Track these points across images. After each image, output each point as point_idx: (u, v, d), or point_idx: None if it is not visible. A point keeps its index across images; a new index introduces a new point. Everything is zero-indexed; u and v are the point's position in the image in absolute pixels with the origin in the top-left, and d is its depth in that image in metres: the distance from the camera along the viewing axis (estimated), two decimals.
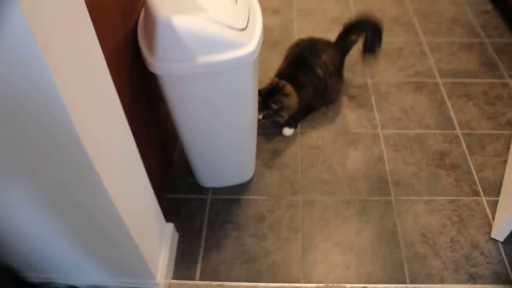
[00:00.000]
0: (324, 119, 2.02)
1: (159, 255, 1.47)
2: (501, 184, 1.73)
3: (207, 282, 1.50)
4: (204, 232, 1.64)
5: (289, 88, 1.81)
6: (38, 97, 0.79)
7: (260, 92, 1.77)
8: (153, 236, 1.42)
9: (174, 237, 1.59)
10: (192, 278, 1.52)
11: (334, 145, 1.90)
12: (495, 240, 1.57)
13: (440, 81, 2.20)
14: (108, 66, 1.17)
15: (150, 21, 1.23)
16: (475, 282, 1.47)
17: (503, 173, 1.77)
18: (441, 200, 1.69)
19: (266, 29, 2.55)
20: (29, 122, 0.85)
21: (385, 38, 2.40)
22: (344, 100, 2.10)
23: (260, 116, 1.80)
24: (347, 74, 2.23)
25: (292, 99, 1.82)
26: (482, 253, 1.54)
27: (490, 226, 1.61)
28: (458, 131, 1.95)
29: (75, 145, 0.88)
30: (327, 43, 1.99)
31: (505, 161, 1.82)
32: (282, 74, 1.90)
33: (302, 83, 1.85)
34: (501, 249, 1.55)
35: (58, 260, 1.37)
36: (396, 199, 1.70)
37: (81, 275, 1.45)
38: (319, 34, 2.44)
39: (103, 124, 1.01)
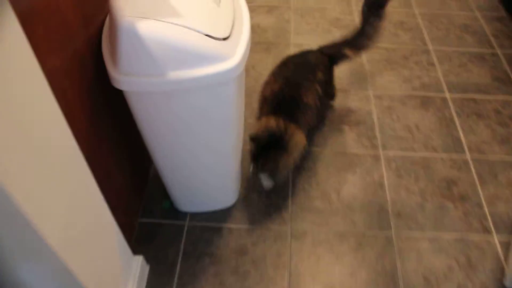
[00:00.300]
0: (319, 136, 1.81)
1: None
2: None
3: None
4: (178, 265, 1.43)
5: (297, 138, 1.44)
6: None
7: (256, 139, 1.42)
8: (115, 275, 1.22)
9: (144, 271, 1.39)
10: None
11: (330, 168, 1.70)
12: None
13: (448, 96, 2.00)
14: (64, 76, 0.97)
15: (113, 26, 1.01)
16: None
17: None
18: (448, 238, 1.50)
19: (259, 30, 2.35)
20: None
21: (390, 44, 2.21)
22: (343, 115, 1.90)
23: (250, 169, 1.51)
24: (347, 84, 2.02)
25: (294, 155, 1.45)
26: None
27: (503, 270, 1.43)
28: (467, 155, 1.75)
29: None
30: (317, 55, 1.69)
31: None
32: (282, 96, 1.51)
33: (308, 104, 1.53)
34: None
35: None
36: (397, 235, 1.50)
37: None
38: (317, 36, 2.24)
39: (34, 155, 0.79)
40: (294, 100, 1.51)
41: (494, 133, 1.85)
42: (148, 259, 1.43)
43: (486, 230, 1.52)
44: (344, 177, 1.67)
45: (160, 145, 1.26)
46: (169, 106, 1.11)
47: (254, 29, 2.31)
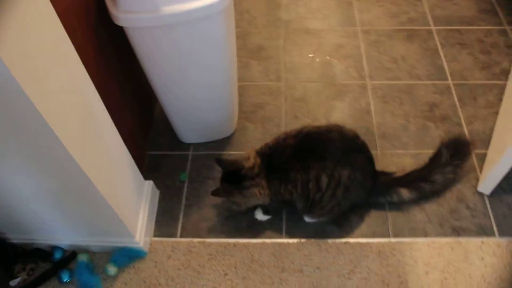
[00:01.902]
0: (309, 69, 1.94)
1: (137, 214, 1.45)
2: (491, 136, 1.68)
3: (188, 239, 1.48)
4: (185, 189, 1.61)
5: (259, 191, 1.35)
6: None
7: (220, 162, 1.40)
8: (130, 195, 1.39)
9: (155, 194, 1.57)
10: (173, 235, 1.50)
11: (320, 97, 1.84)
12: (481, 194, 1.54)
13: (433, 28, 2.10)
14: (73, 16, 1.10)
15: None
16: (458, 235, 1.45)
17: (494, 124, 1.72)
18: (429, 154, 1.63)
19: None
20: None
21: None
22: (331, 49, 2.01)
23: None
24: (336, 22, 2.13)
25: (247, 201, 1.40)
26: (467, 206, 1.52)
27: (477, 179, 1.57)
28: (450, 81, 1.87)
29: (26, 103, 0.83)
30: (364, 156, 1.39)
31: (497, 113, 1.75)
32: (283, 154, 1.34)
33: (294, 180, 1.36)
34: (487, 202, 1.52)
35: (38, 221, 1.35)
36: (382, 153, 1.65)
37: (62, 235, 1.43)
38: None
39: (57, 83, 0.94)
40: (286, 168, 1.33)
41: (476, 60, 1.96)
42: (157, 185, 1.59)
43: None
44: (333, 105, 1.81)
45: (160, 79, 1.40)
46: (164, 39, 1.25)
47: None
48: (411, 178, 1.49)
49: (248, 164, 1.34)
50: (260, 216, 1.52)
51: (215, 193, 1.41)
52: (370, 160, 1.40)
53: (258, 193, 1.35)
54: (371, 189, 1.42)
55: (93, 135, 1.12)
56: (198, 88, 1.46)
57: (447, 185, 1.53)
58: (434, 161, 1.50)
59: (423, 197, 1.51)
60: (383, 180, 1.48)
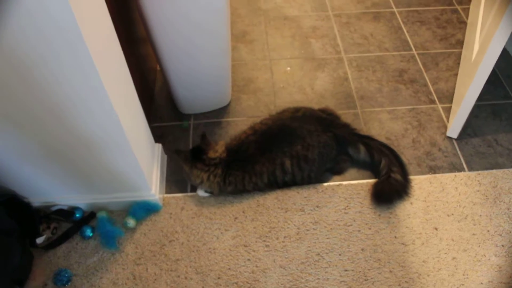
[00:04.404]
0: (291, 48, 2.16)
1: (152, 170, 1.59)
2: (453, 93, 1.93)
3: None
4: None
5: (203, 176, 1.56)
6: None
7: (178, 152, 1.60)
8: (146, 150, 1.53)
9: (164, 157, 1.72)
10: (183, 191, 1.65)
11: (303, 70, 2.05)
12: (450, 138, 1.78)
13: (396, 10, 2.37)
14: None
15: None
16: (434, 173, 1.67)
17: (455, 83, 1.97)
18: (402, 109, 1.88)
19: None
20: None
21: None
22: (308, 31, 2.24)
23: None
24: (310, 9, 2.37)
25: (191, 179, 1.61)
26: (439, 149, 1.74)
27: (446, 127, 1.81)
28: (414, 51, 2.13)
29: (84, 52, 0.99)
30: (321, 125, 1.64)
31: (456, 74, 2.02)
32: (245, 148, 1.60)
33: (256, 172, 1.58)
34: (455, 144, 1.76)
35: (59, 183, 1.47)
36: (362, 111, 1.87)
37: (81, 195, 1.55)
38: None
39: (103, 33, 1.11)
40: (248, 162, 1.57)
41: (435, 34, 2.23)
42: (164, 151, 1.74)
43: (432, 101, 1.91)
44: (315, 75, 2.02)
45: (168, 47, 1.57)
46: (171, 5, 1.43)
47: None
48: (373, 141, 1.66)
49: (212, 154, 1.57)
50: (201, 193, 1.64)
51: (177, 152, 1.60)
52: (322, 120, 1.65)
53: (205, 178, 1.56)
54: (338, 142, 1.62)
55: (122, 84, 1.28)
56: (199, 55, 1.63)
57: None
58: (392, 164, 1.61)
59: (373, 162, 1.65)
60: (347, 132, 1.67)
